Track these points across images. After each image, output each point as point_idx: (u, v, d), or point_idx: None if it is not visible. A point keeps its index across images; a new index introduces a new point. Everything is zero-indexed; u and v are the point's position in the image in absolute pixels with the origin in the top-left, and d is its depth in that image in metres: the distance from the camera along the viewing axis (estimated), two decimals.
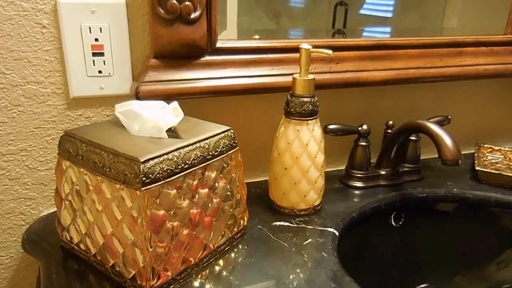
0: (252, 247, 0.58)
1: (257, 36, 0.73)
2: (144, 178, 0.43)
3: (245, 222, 0.60)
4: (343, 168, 0.78)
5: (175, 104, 0.52)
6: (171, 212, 0.47)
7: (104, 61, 0.60)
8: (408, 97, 0.83)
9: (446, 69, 0.78)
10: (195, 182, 0.50)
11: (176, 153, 0.47)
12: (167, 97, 0.59)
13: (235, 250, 0.57)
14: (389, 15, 0.91)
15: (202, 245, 0.52)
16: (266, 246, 0.58)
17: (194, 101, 0.64)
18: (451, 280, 0.78)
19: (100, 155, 0.46)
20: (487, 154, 0.87)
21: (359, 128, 0.73)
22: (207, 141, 0.51)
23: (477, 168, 0.79)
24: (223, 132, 0.53)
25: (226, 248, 0.57)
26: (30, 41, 0.56)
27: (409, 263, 0.78)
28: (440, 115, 0.80)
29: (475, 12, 0.93)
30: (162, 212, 0.46)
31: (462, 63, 0.79)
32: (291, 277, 0.52)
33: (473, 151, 0.89)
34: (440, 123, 0.75)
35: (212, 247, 0.54)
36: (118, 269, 0.49)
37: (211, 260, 0.54)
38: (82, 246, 0.52)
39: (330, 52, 0.58)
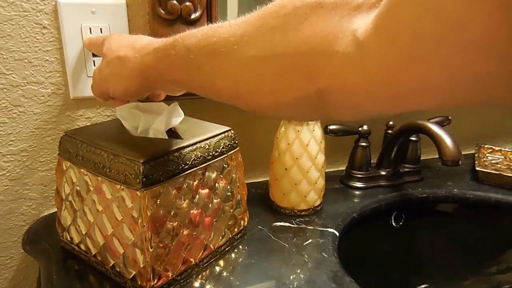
0: (253, 248, 0.58)
1: None
2: (144, 179, 0.43)
3: (246, 223, 0.60)
4: (344, 168, 0.78)
5: (175, 104, 0.52)
6: (172, 213, 0.47)
7: None
8: None
9: None
10: (195, 183, 0.50)
11: (176, 154, 0.47)
12: (168, 97, 0.59)
13: (236, 250, 0.57)
14: None
15: (202, 246, 0.52)
16: (266, 246, 0.58)
17: (194, 102, 0.64)
18: (452, 280, 0.78)
19: (101, 156, 0.46)
20: (487, 155, 0.87)
21: (360, 129, 0.73)
22: (207, 141, 0.51)
23: (477, 168, 0.79)
24: (224, 132, 0.53)
25: (227, 249, 0.57)
26: (30, 41, 0.56)
27: (409, 264, 0.78)
28: (440, 115, 0.80)
29: None
30: (162, 212, 0.46)
31: None
32: (291, 277, 0.52)
33: (473, 151, 0.89)
34: (440, 124, 0.75)
35: (213, 248, 0.54)
36: (118, 270, 0.49)
37: (211, 260, 0.54)
38: (82, 246, 0.52)
39: None
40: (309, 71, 0.28)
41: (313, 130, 0.62)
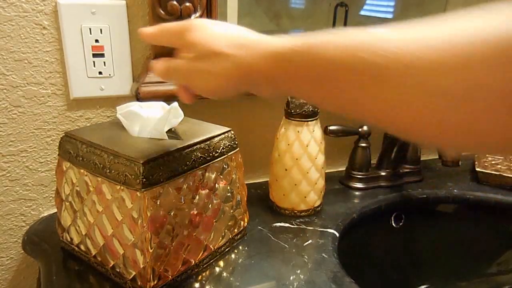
0: (253, 248, 0.58)
1: None
2: (144, 179, 0.43)
3: (245, 223, 0.59)
4: (344, 169, 0.78)
5: (175, 105, 0.52)
6: (172, 213, 0.47)
7: (104, 62, 0.60)
8: None
9: None
10: (195, 183, 0.50)
11: (176, 154, 0.47)
12: (168, 98, 0.59)
13: (236, 251, 0.57)
14: (390, 16, 0.91)
15: (202, 246, 0.52)
16: (266, 247, 0.58)
17: (194, 102, 0.64)
18: (451, 281, 0.78)
19: (101, 156, 0.46)
20: (487, 155, 0.87)
21: (360, 129, 0.73)
22: (207, 142, 0.51)
23: (477, 169, 0.79)
24: (224, 133, 0.53)
25: (227, 249, 0.57)
26: (30, 42, 0.56)
27: (409, 264, 0.78)
28: None
29: None
30: (162, 213, 0.46)
31: None
32: (291, 278, 0.52)
33: None
34: None
35: (212, 248, 0.54)
36: (118, 270, 0.49)
37: (211, 261, 0.54)
38: (82, 247, 0.52)
39: None
40: None
41: (313, 131, 0.62)
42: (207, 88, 0.39)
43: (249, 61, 0.35)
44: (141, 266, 0.45)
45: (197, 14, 0.59)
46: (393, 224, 0.75)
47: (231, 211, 0.56)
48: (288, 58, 0.32)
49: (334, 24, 0.83)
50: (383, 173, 0.76)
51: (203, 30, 0.38)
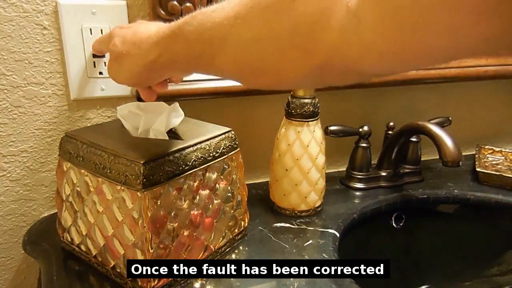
0: (253, 248, 0.58)
1: None
2: (144, 180, 0.43)
3: (246, 223, 0.59)
4: (344, 169, 0.78)
5: (176, 105, 0.52)
6: (172, 213, 0.47)
7: (105, 63, 0.60)
8: (408, 98, 0.83)
9: (446, 70, 0.78)
10: (195, 184, 0.50)
11: (177, 155, 0.47)
12: (168, 98, 0.59)
13: (236, 251, 0.57)
14: None
15: (203, 246, 0.52)
16: (266, 247, 0.58)
17: (195, 102, 0.64)
18: (452, 281, 0.78)
19: (101, 156, 0.46)
20: (487, 155, 0.87)
21: (360, 130, 0.73)
22: (207, 142, 0.51)
23: (478, 169, 0.79)
24: (224, 133, 0.53)
25: (227, 250, 0.57)
26: (31, 42, 0.56)
27: (409, 265, 0.78)
28: (440, 116, 0.80)
29: None
30: (162, 213, 0.46)
31: (462, 64, 0.79)
32: (291, 278, 0.52)
33: (473, 152, 0.88)
34: (440, 124, 0.75)
35: (213, 248, 0.54)
36: (118, 270, 0.49)
37: None
38: (82, 247, 0.52)
39: None
40: (308, 48, 0.29)
41: (314, 131, 0.62)
42: (127, 81, 0.46)
43: (145, 55, 0.41)
44: None
45: None
46: (394, 224, 0.75)
47: (232, 211, 0.56)
48: (163, 45, 0.39)
49: None
50: (383, 173, 0.76)
51: (115, 37, 0.46)
